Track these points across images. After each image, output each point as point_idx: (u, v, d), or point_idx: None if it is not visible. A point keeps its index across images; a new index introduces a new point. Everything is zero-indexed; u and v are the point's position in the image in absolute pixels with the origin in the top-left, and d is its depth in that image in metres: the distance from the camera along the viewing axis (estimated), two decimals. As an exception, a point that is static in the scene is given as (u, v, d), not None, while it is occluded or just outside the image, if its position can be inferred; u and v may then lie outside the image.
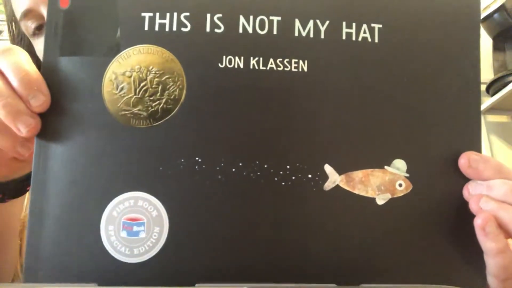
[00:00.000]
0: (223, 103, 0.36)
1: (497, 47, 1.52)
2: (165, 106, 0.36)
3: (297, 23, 0.37)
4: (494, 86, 1.48)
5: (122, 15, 0.37)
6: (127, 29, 0.36)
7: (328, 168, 0.35)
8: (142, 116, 0.35)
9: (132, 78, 0.36)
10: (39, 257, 0.34)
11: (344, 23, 0.37)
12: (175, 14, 0.36)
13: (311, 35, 0.37)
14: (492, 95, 1.49)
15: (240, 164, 0.35)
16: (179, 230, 0.34)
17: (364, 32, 0.37)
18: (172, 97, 0.36)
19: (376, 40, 0.37)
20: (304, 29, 0.37)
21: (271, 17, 0.37)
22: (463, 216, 0.36)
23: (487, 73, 1.52)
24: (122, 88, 0.36)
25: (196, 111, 0.35)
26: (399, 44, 0.37)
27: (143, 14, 0.36)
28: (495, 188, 0.35)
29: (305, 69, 0.36)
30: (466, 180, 0.36)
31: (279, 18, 0.37)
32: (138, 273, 0.34)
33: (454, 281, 0.35)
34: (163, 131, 0.35)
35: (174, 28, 0.36)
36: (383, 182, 0.36)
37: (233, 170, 0.35)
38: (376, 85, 0.37)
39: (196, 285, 0.31)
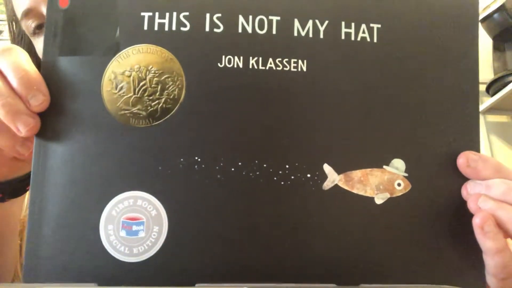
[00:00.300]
0: (222, 103, 0.36)
1: (497, 47, 1.53)
2: (164, 105, 0.36)
3: (296, 23, 0.37)
4: (494, 86, 1.48)
5: (121, 15, 0.37)
6: (127, 28, 0.36)
7: (327, 168, 0.35)
8: (141, 115, 0.35)
9: (132, 77, 0.36)
10: (39, 257, 0.34)
11: (343, 23, 0.37)
12: (175, 13, 0.36)
13: (310, 35, 0.37)
14: (492, 95, 1.49)
15: (240, 163, 0.35)
16: (178, 229, 0.34)
17: (363, 32, 0.37)
18: (171, 97, 0.36)
19: (375, 40, 0.37)
20: (303, 29, 0.37)
21: (270, 17, 0.37)
22: (462, 215, 0.36)
23: (487, 73, 1.52)
24: (121, 88, 0.36)
25: (195, 111, 0.36)
26: (397, 44, 0.37)
27: (142, 13, 0.37)
28: (493, 187, 0.35)
29: (304, 68, 0.36)
30: (465, 179, 0.36)
31: (278, 18, 0.37)
32: (138, 272, 0.34)
33: (454, 280, 0.35)
34: (163, 131, 0.35)
35: (174, 28, 0.36)
36: (382, 182, 0.36)
37: (233, 169, 0.35)
38: (375, 85, 0.37)
39: (196, 285, 0.31)
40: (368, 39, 0.37)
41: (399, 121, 0.37)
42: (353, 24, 0.37)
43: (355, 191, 0.36)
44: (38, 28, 0.55)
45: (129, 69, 0.36)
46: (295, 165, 0.35)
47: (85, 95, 0.36)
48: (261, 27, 0.37)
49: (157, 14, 0.36)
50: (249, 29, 0.37)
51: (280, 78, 0.36)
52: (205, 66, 0.36)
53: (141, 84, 0.36)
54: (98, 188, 0.35)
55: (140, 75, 0.36)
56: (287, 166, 0.35)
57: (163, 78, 0.36)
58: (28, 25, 0.54)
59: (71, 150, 0.35)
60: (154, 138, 0.35)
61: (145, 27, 0.36)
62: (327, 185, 0.35)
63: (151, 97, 0.36)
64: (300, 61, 0.36)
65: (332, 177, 0.35)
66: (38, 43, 0.56)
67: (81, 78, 0.36)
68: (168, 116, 0.35)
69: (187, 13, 0.36)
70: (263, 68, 0.36)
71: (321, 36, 0.37)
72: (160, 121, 0.35)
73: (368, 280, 0.35)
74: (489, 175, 0.35)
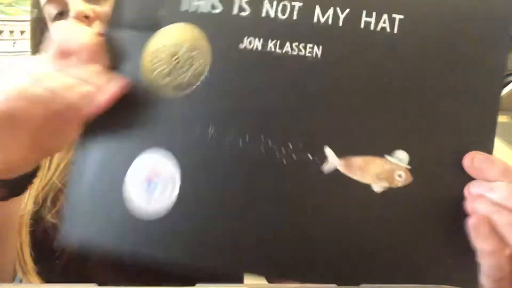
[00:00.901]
0: (239, 81, 0.38)
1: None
2: (190, 79, 0.39)
3: (317, 9, 0.38)
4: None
5: None
6: (167, 8, 0.40)
7: (328, 151, 0.37)
8: (171, 86, 0.40)
9: (167, 52, 0.40)
10: (75, 215, 0.40)
11: (364, 12, 0.37)
12: None
13: (329, 22, 0.38)
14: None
15: (247, 138, 0.38)
16: (188, 192, 0.38)
17: (384, 22, 0.37)
18: (196, 71, 0.39)
19: (395, 31, 0.37)
20: (323, 16, 0.38)
21: (293, 3, 0.38)
22: (461, 215, 0.35)
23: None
24: (158, 61, 0.40)
25: (214, 87, 0.39)
26: (418, 36, 0.37)
27: None
28: (496, 190, 0.34)
29: (319, 54, 0.38)
30: (471, 179, 0.36)
31: (301, 4, 0.38)
32: (154, 229, 0.38)
33: (447, 279, 0.35)
34: (185, 102, 0.39)
35: (207, 10, 0.40)
36: (382, 171, 0.36)
37: (240, 143, 0.38)
38: (388, 76, 0.37)
39: (197, 285, 0.32)
40: (388, 30, 0.37)
41: (410, 114, 0.37)
42: (374, 14, 0.37)
43: (354, 177, 0.37)
44: (60, 15, 0.56)
45: (166, 44, 0.40)
46: (298, 146, 0.37)
47: (126, 65, 0.41)
48: (283, 12, 0.38)
49: None
50: (272, 14, 0.39)
51: (293, 62, 0.38)
52: (228, 46, 0.39)
53: (173, 58, 0.40)
54: (125, 148, 0.39)
55: (174, 50, 0.40)
56: (290, 146, 0.37)
57: (193, 53, 0.40)
58: (50, 11, 0.57)
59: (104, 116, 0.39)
60: (178, 107, 0.39)
61: (182, 8, 0.40)
62: (327, 168, 0.37)
63: (180, 71, 0.40)
64: (315, 47, 0.38)
65: (333, 161, 0.37)
66: None
67: (125, 51, 0.41)
68: (191, 89, 0.39)
69: None
70: (280, 51, 0.38)
71: (340, 23, 0.38)
72: (184, 92, 0.39)
73: (368, 280, 0.35)
74: (495, 176, 0.34)
